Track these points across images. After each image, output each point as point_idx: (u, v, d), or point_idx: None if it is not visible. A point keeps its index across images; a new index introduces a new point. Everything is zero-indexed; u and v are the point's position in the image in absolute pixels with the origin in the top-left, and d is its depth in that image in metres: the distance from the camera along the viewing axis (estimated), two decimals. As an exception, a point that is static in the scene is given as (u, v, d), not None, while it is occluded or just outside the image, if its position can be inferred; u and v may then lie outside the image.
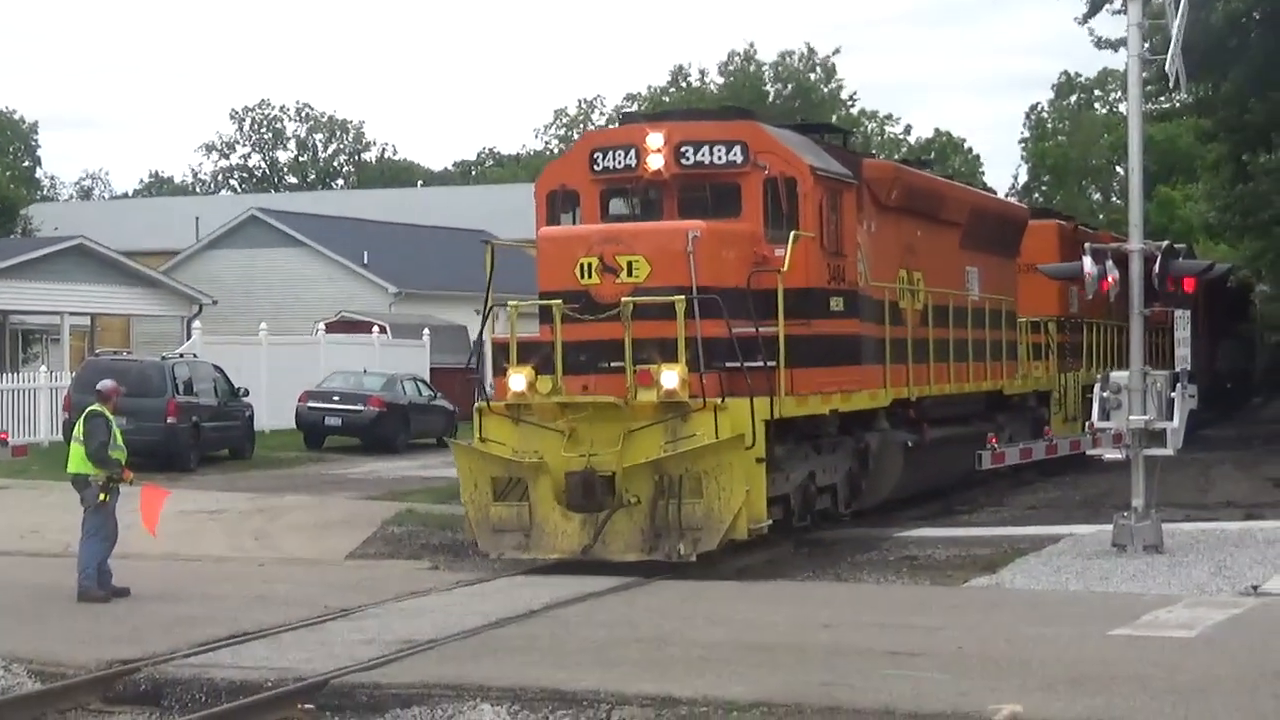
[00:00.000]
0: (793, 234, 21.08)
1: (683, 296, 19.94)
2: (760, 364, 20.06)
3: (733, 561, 20.94)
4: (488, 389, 21.39)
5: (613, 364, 20.33)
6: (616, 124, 23.70)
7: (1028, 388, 32.20)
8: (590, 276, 20.59)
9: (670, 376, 19.90)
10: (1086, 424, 22.90)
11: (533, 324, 21.87)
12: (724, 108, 24.01)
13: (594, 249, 20.67)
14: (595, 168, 22.31)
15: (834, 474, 23.42)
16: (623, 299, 20.09)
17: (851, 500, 24.22)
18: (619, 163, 22.13)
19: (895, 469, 25.34)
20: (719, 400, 19.99)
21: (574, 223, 22.46)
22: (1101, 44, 43.22)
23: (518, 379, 20.59)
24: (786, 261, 20.80)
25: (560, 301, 20.55)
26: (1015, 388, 31.17)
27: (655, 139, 21.85)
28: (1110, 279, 21.80)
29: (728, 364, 20.09)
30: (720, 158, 21.75)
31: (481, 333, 22.12)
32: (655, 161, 21.81)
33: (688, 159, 21.80)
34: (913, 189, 26.07)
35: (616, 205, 22.70)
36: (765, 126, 22.74)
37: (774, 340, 20.59)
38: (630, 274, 20.47)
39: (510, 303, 21.21)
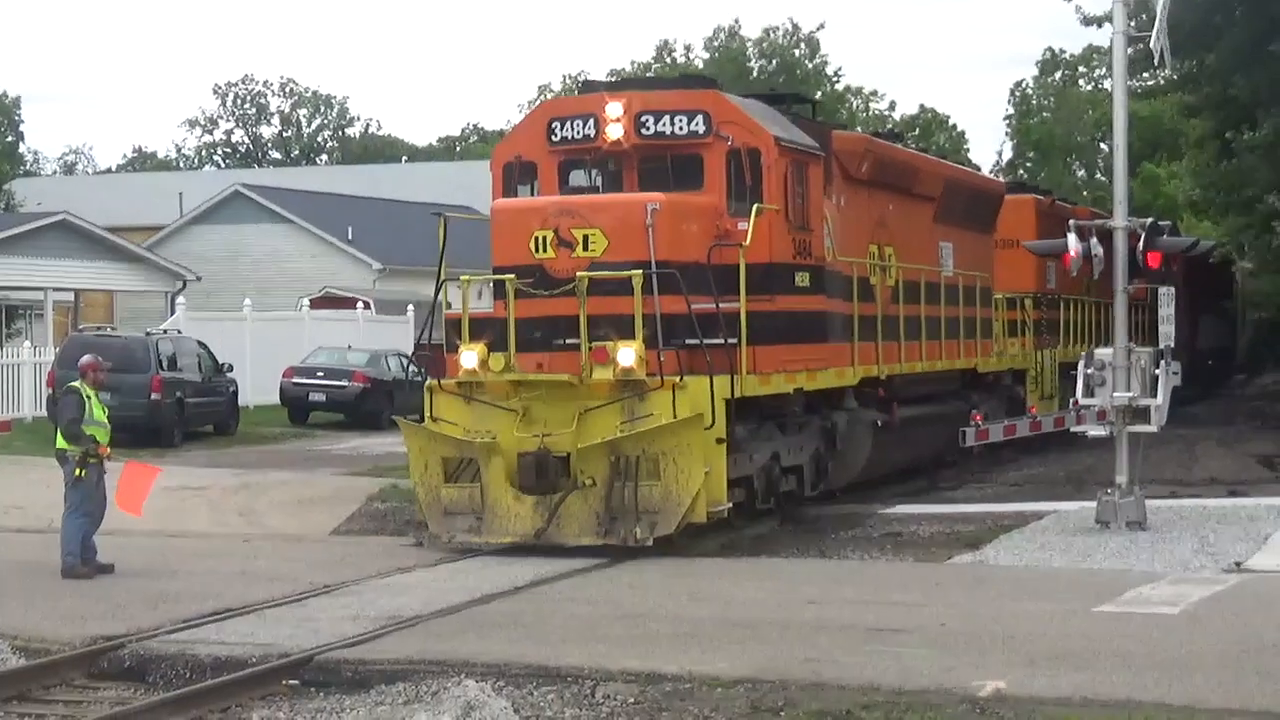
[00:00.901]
0: (755, 207, 20.46)
1: (640, 271, 19.36)
2: (721, 341, 19.48)
3: (717, 538, 20.84)
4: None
5: (568, 341, 19.75)
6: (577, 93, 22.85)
7: (1003, 366, 31.68)
8: (545, 250, 20.00)
9: (627, 354, 19.31)
10: (1071, 401, 22.85)
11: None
12: (686, 76, 23.23)
13: (549, 222, 20.08)
14: (553, 138, 21.60)
15: (800, 454, 22.74)
16: (578, 274, 19.55)
17: (818, 481, 23.52)
18: (577, 133, 21.44)
19: (864, 449, 24.72)
20: (677, 379, 19.40)
21: (532, 195, 21.73)
22: (1087, 20, 43.14)
23: (469, 356, 19.97)
24: (749, 235, 20.18)
25: (513, 276, 19.96)
26: (990, 366, 30.67)
27: (614, 108, 21.13)
28: (1095, 256, 21.80)
29: (687, 341, 19.54)
30: (682, 128, 21.05)
31: (434, 308, 21.20)
32: (615, 131, 21.10)
33: (648, 129, 21.08)
34: (884, 162, 25.53)
35: (577, 177, 22.02)
36: (728, 96, 22.09)
37: (735, 317, 19.95)
38: (586, 248, 19.88)
39: (462, 277, 20.57)
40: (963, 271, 29.02)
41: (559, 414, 19.62)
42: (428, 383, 20.72)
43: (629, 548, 19.16)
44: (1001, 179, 49.49)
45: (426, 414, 20.56)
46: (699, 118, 21.05)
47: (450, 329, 20.97)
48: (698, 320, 19.39)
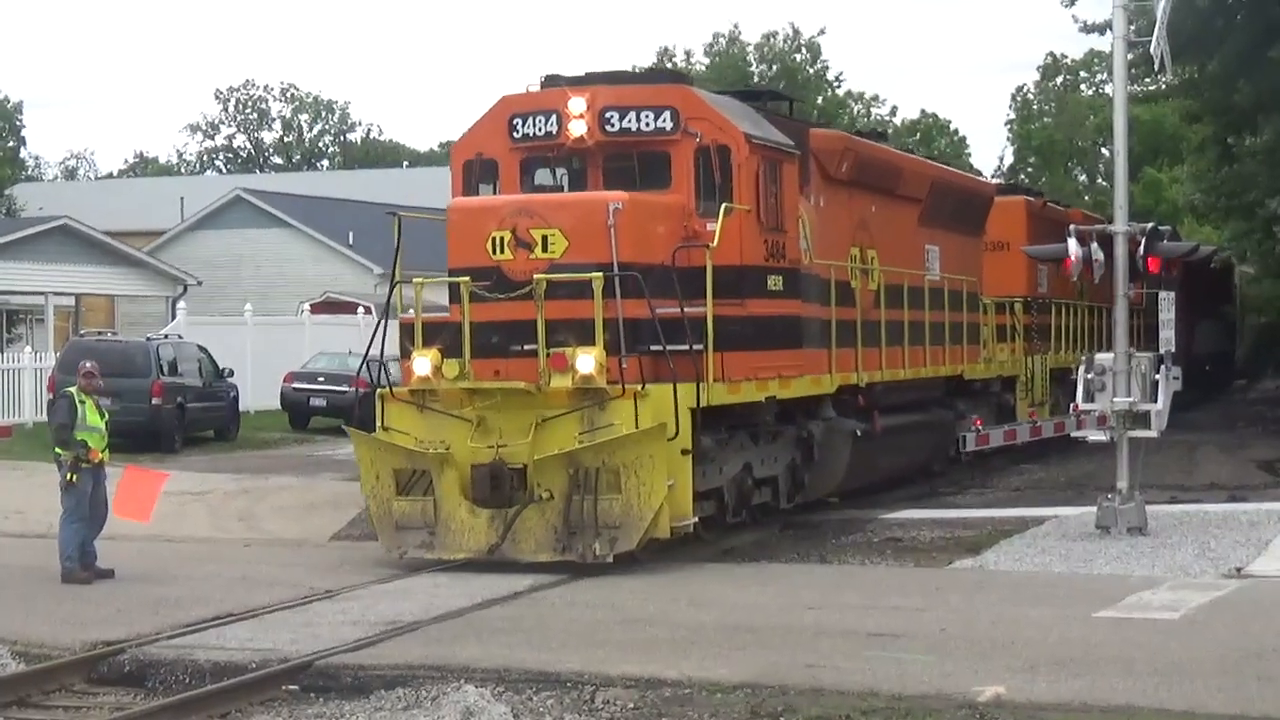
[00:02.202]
0: (723, 207, 19.56)
1: (600, 274, 18.51)
2: (686, 347, 18.54)
3: (718, 543, 20.73)
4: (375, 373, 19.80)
5: (526, 347, 18.91)
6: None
7: (990, 373, 30.83)
8: (502, 251, 19.14)
9: (586, 361, 18.40)
10: (1071, 405, 22.82)
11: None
12: (654, 70, 21.99)
13: (506, 222, 19.20)
14: (515, 135, 20.68)
15: (774, 465, 21.88)
16: (535, 276, 18.70)
17: (795, 493, 22.67)
18: (539, 129, 20.51)
19: (842, 459, 23.72)
20: (639, 387, 18.49)
21: (494, 194, 20.82)
22: (1088, 28, 43.20)
23: (422, 362, 19.10)
24: (716, 236, 19.26)
25: (468, 278, 19.14)
26: (977, 373, 29.87)
27: (577, 104, 20.19)
28: (1095, 261, 21.78)
29: (651, 347, 18.66)
30: (648, 124, 20.15)
31: (386, 311, 20.31)
32: (578, 128, 20.20)
33: (613, 125, 20.20)
34: (865, 161, 24.70)
35: (542, 175, 21.17)
36: (698, 91, 21.21)
37: (703, 322, 19.04)
38: (546, 249, 18.99)
39: (415, 279, 19.91)
40: (949, 275, 28.32)
41: (515, 423, 18.79)
42: (379, 390, 19.85)
43: (589, 564, 18.42)
44: (1003, 183, 49.23)
45: (378, 423, 19.78)
46: (666, 114, 20.20)
47: (404, 334, 20.21)
48: (662, 325, 18.53)
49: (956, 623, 15.25)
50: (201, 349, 38.75)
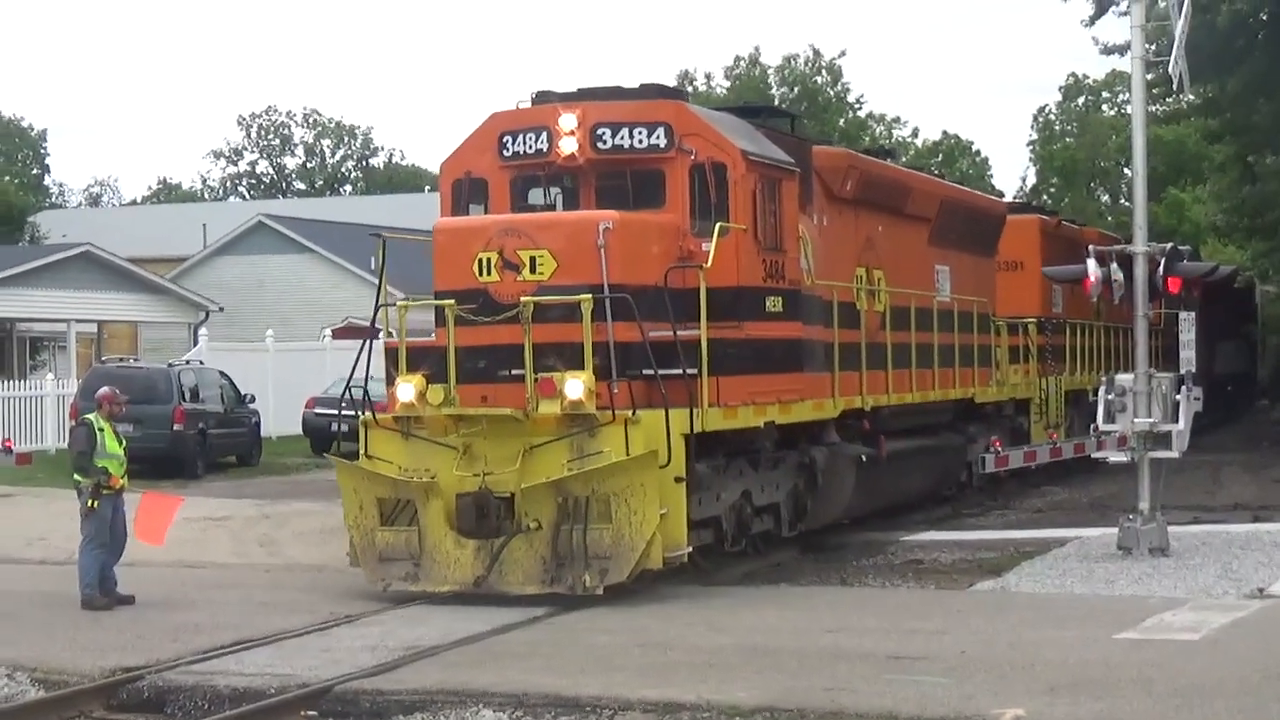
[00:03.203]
0: (718, 226, 18.87)
1: (589, 295, 17.89)
2: (679, 372, 17.92)
3: (737, 567, 20.65)
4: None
5: (514, 371, 18.27)
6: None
7: (1002, 395, 29.99)
8: (489, 273, 18.59)
9: (574, 386, 17.73)
10: (1092, 426, 22.74)
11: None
12: (647, 85, 20.68)
13: (493, 242, 18.65)
14: (504, 153, 20.12)
15: (775, 493, 21.10)
16: (523, 298, 18.17)
17: (797, 521, 21.87)
18: (530, 147, 19.94)
19: (846, 486, 22.94)
20: (630, 412, 17.82)
21: (486, 214, 20.25)
22: (1108, 49, 43.27)
23: (406, 388, 18.64)
24: (710, 256, 18.61)
25: (453, 301, 18.65)
26: (989, 396, 29.19)
27: (568, 120, 19.61)
28: (1115, 281, 21.74)
29: (643, 372, 18.03)
30: (641, 141, 19.56)
31: (370, 334, 19.82)
32: (569, 145, 19.63)
33: (605, 142, 19.59)
34: (871, 179, 24.05)
35: (534, 195, 20.48)
36: (693, 107, 20.56)
37: (696, 345, 18.41)
38: (534, 270, 18.44)
39: (399, 302, 19.53)
40: (960, 296, 27.75)
41: (502, 451, 18.17)
42: (363, 417, 19.29)
43: (578, 596, 17.78)
44: (1016, 201, 48.92)
45: (361, 451, 19.25)
46: (660, 130, 19.59)
47: (388, 358, 19.69)
48: (654, 348, 17.94)
49: (976, 645, 15.20)
50: (223, 375, 38.90)
